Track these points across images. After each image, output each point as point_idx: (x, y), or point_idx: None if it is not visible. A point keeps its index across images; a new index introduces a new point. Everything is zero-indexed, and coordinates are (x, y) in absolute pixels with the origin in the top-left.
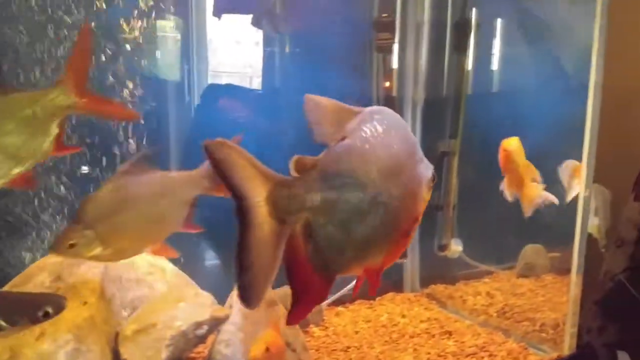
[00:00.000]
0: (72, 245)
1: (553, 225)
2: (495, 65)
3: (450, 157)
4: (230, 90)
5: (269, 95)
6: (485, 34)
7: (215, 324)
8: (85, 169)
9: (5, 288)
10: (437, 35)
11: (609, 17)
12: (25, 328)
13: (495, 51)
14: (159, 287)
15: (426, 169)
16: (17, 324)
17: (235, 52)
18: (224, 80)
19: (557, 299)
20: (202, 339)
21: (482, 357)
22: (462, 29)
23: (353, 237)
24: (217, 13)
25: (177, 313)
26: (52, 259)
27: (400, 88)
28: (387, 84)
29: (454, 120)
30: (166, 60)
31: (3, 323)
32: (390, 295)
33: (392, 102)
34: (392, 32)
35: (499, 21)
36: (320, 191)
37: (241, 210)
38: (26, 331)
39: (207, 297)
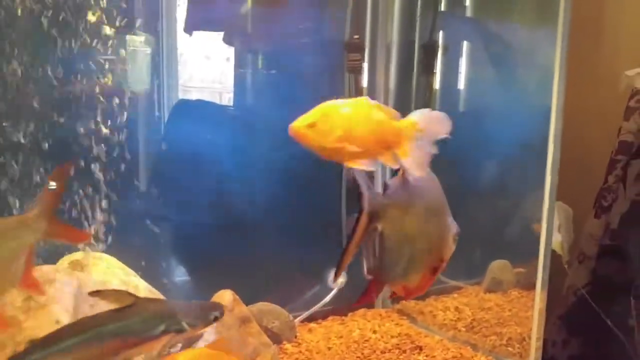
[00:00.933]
0: None
1: (518, 242)
2: (462, 85)
3: None
4: (200, 106)
5: (240, 112)
6: (452, 55)
7: (189, 341)
8: (53, 184)
9: None
10: (406, 56)
11: (569, 40)
12: (199, 329)
13: (461, 72)
14: None
15: (453, 224)
16: (195, 327)
17: (205, 68)
18: (193, 95)
19: (522, 314)
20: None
21: None
22: (430, 51)
23: (403, 254)
24: (188, 29)
25: None
26: None
27: None
28: None
29: None
30: (136, 75)
31: (186, 326)
32: (362, 311)
33: None
34: (363, 53)
35: (465, 44)
36: (394, 207)
37: (360, 199)
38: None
39: None
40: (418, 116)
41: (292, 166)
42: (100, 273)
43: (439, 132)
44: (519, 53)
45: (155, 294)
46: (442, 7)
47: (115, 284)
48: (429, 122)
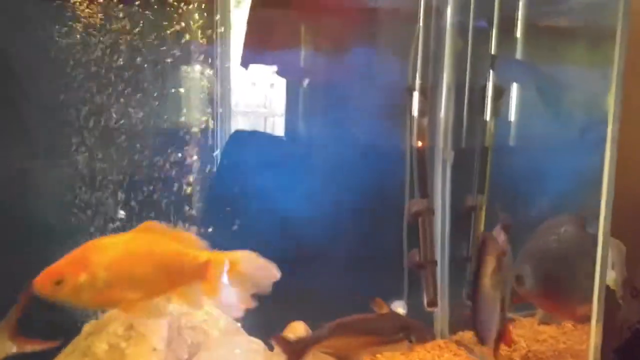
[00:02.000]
0: None
1: None
2: (517, 124)
3: (477, 211)
4: (256, 137)
5: (296, 145)
6: (507, 96)
7: None
8: (122, 213)
9: (82, 335)
10: (464, 98)
11: (624, 79)
12: (417, 344)
13: (517, 111)
14: (213, 334)
15: None
16: (417, 341)
17: (251, 93)
18: (239, 120)
19: (577, 347)
20: None
21: None
22: (487, 93)
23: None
24: (245, 64)
25: (234, 358)
26: None
27: (431, 147)
28: (420, 143)
29: (480, 176)
30: (193, 104)
31: (413, 338)
32: None
33: (423, 159)
34: (425, 96)
35: (518, 85)
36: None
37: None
38: None
39: (259, 344)
40: (241, 257)
41: (352, 198)
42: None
43: (262, 282)
44: (573, 91)
45: (234, 325)
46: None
47: (200, 314)
48: (254, 268)
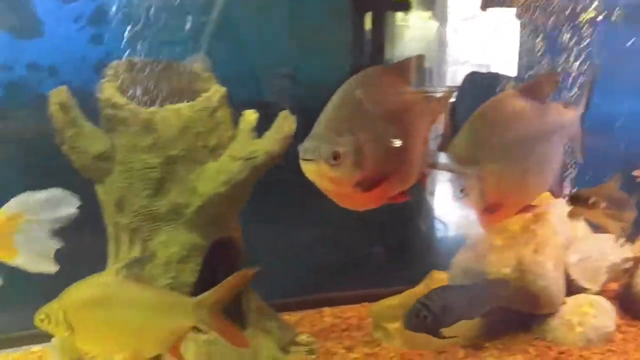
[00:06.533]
0: None
1: None
2: None
3: None
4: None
5: None
6: None
7: (637, 262)
8: None
9: None
10: None
11: None
12: None
13: None
14: (580, 229)
15: None
16: None
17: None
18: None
19: None
20: (625, 272)
21: None
22: None
23: None
24: (484, 6)
25: (608, 250)
26: None
27: None
28: None
29: None
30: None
31: None
32: None
33: None
34: None
35: None
36: None
37: None
38: None
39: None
40: (18, 206)
41: None
42: None
43: (59, 213)
44: None
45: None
46: None
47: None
48: (36, 207)
